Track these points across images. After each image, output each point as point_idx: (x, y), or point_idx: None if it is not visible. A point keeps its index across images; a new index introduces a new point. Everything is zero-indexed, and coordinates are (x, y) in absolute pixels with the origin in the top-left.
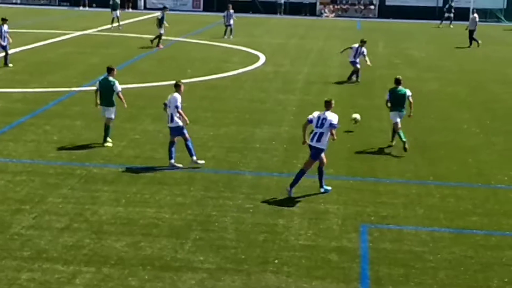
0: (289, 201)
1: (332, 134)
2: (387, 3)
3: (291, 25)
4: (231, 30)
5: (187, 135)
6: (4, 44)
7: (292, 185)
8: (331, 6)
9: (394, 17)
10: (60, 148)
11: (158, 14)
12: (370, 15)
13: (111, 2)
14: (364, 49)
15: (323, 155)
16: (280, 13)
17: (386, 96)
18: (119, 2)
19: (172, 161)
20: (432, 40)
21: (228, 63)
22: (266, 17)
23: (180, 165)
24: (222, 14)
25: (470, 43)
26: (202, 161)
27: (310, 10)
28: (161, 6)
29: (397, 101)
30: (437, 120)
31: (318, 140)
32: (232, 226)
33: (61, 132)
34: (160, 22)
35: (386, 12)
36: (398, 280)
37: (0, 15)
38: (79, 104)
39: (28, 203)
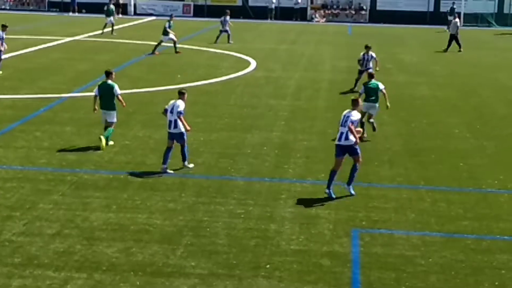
0: (281, 206)
1: (351, 130)
2: (378, 8)
3: (282, 30)
4: (228, 36)
5: (186, 142)
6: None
7: (350, 183)
8: (322, 11)
9: (385, 21)
10: (50, 155)
11: (148, 20)
12: (361, 20)
13: (105, 8)
14: (371, 53)
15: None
16: (271, 18)
17: (360, 90)
18: (114, 9)
19: (165, 166)
20: (423, 44)
21: (219, 68)
22: (256, 22)
23: (172, 172)
24: (214, 19)
25: (458, 46)
26: (192, 165)
27: (301, 15)
28: (151, 11)
29: (369, 94)
30: (428, 125)
31: (346, 139)
32: (223, 232)
33: (51, 138)
34: (165, 30)
35: (377, 17)
36: (390, 284)
37: None
38: (69, 110)
39: (18, 209)
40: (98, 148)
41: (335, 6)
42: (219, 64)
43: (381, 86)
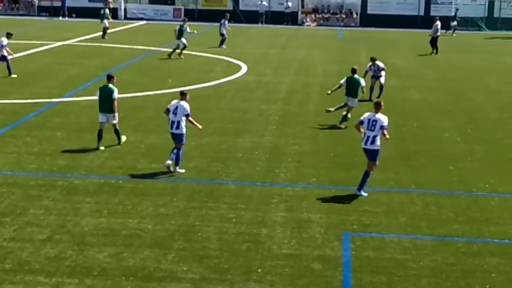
0: (272, 211)
1: (384, 135)
2: (368, 12)
3: (273, 34)
4: (222, 40)
5: (184, 144)
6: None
7: (361, 188)
8: (312, 15)
9: (376, 25)
10: (41, 160)
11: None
12: (352, 24)
13: (102, 12)
14: (379, 63)
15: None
16: (261, 22)
17: (342, 81)
18: (109, 13)
19: (178, 168)
20: (414, 48)
21: (210, 72)
22: (247, 26)
23: (183, 170)
24: (205, 23)
25: (436, 50)
26: (183, 170)
27: (292, 19)
28: (141, 15)
29: (351, 87)
30: (419, 129)
31: (372, 143)
32: (215, 236)
33: (41, 143)
34: (179, 34)
35: (367, 21)
36: (381, 287)
37: None
38: (59, 115)
39: (9, 215)
40: (88, 153)
41: (326, 10)
42: (210, 69)
43: (363, 83)
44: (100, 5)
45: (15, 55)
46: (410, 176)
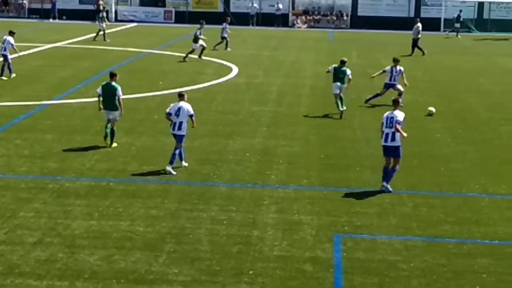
0: (263, 212)
1: (397, 130)
2: (359, 13)
3: (263, 36)
4: (219, 43)
5: (183, 146)
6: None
7: (388, 182)
8: (303, 17)
9: (366, 27)
10: (31, 162)
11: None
12: (343, 26)
13: (101, 15)
14: (400, 68)
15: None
16: (252, 25)
17: (331, 68)
18: (105, 15)
19: (183, 162)
20: (404, 50)
21: (201, 75)
22: (238, 28)
23: (186, 164)
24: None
25: (412, 52)
26: (175, 172)
27: (283, 21)
28: (132, 18)
29: (338, 76)
30: (410, 130)
31: (393, 140)
32: (206, 238)
33: (32, 146)
34: (196, 37)
35: (358, 22)
36: None
37: None
38: (50, 118)
39: None
40: (79, 155)
41: (316, 12)
42: (201, 71)
43: (349, 72)
44: (91, 7)
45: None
46: (401, 177)
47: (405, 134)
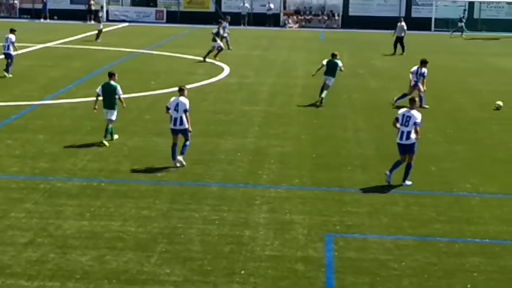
0: (255, 212)
1: (416, 132)
2: (350, 13)
3: (255, 36)
4: (226, 42)
5: (190, 138)
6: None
7: (405, 178)
8: (294, 17)
9: (358, 27)
10: (22, 163)
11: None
12: (334, 26)
13: (100, 15)
14: (424, 70)
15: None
16: (243, 24)
17: (324, 62)
18: (102, 15)
19: (176, 160)
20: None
21: (193, 75)
22: (229, 28)
23: (181, 164)
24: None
25: (395, 51)
26: (185, 163)
27: (274, 21)
28: (123, 18)
29: (330, 68)
30: None
31: (408, 138)
32: (198, 238)
33: (23, 146)
34: (215, 36)
35: (349, 22)
36: None
37: None
38: (41, 118)
39: None
40: (70, 155)
41: (307, 12)
42: (193, 71)
43: (340, 65)
44: (82, 7)
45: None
46: (393, 176)
47: (418, 132)
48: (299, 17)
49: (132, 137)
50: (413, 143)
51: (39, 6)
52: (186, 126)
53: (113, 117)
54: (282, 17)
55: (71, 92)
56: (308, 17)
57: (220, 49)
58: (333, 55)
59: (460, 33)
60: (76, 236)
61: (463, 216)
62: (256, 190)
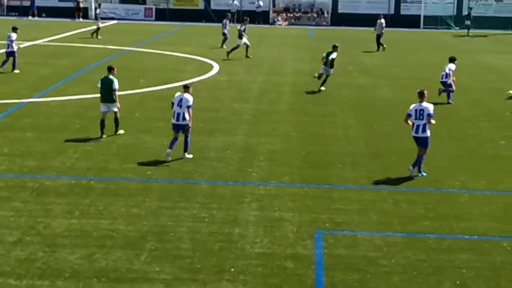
0: (245, 210)
1: (430, 122)
2: (339, 11)
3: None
4: (224, 39)
5: (190, 133)
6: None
7: (420, 170)
8: (284, 15)
9: (347, 24)
10: (11, 161)
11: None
12: (323, 23)
13: (97, 12)
14: (451, 65)
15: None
16: (233, 22)
17: (324, 55)
18: (98, 13)
19: (169, 150)
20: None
21: (182, 72)
22: (219, 26)
23: (191, 156)
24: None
25: (378, 48)
26: (191, 155)
27: (263, 18)
28: (112, 15)
29: (326, 59)
30: (390, 127)
31: (423, 131)
32: (187, 236)
33: (11, 144)
34: (241, 33)
35: (338, 20)
36: (353, 285)
37: None
38: (29, 116)
39: None
40: (59, 154)
41: (297, 10)
42: (182, 68)
43: (333, 56)
44: (70, 4)
45: None
46: (382, 173)
47: (433, 122)
48: (289, 14)
49: (121, 135)
50: (428, 137)
51: (27, 3)
52: (187, 122)
53: (115, 109)
54: (271, 15)
55: (60, 90)
56: (298, 15)
57: (247, 46)
58: (334, 47)
59: (466, 31)
60: (65, 235)
61: (452, 213)
62: (246, 187)
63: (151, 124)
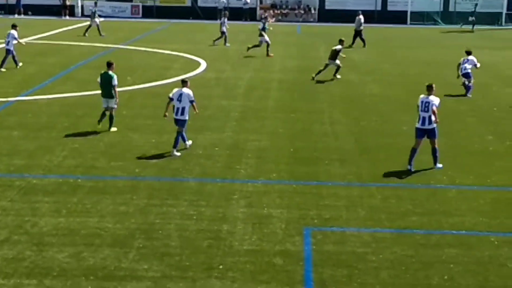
0: (233, 207)
1: (434, 113)
2: (326, 7)
3: (231, 30)
4: (225, 38)
5: (185, 128)
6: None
7: (436, 162)
8: (271, 11)
9: (334, 21)
10: None
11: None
12: (310, 20)
13: (93, 10)
14: (471, 58)
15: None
16: (220, 19)
17: (333, 47)
18: (95, 11)
19: (187, 142)
20: (372, 43)
21: (169, 70)
22: (206, 23)
23: (178, 154)
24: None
25: (353, 43)
26: (190, 141)
27: (251, 15)
28: (99, 13)
29: (332, 53)
30: (378, 123)
31: (430, 123)
32: (176, 233)
33: None
34: (261, 31)
35: (325, 16)
36: (342, 281)
37: None
38: (16, 114)
39: None
40: (46, 152)
41: (284, 6)
42: (169, 66)
43: (338, 48)
44: (56, 2)
45: None
46: (370, 169)
47: (438, 120)
48: (276, 11)
49: (108, 133)
50: (434, 128)
51: (13, 1)
52: (186, 117)
53: (114, 105)
54: (258, 11)
55: (47, 88)
56: (285, 11)
57: (267, 44)
58: (339, 41)
59: (471, 27)
60: (53, 233)
61: (440, 208)
62: (234, 184)
63: (139, 121)
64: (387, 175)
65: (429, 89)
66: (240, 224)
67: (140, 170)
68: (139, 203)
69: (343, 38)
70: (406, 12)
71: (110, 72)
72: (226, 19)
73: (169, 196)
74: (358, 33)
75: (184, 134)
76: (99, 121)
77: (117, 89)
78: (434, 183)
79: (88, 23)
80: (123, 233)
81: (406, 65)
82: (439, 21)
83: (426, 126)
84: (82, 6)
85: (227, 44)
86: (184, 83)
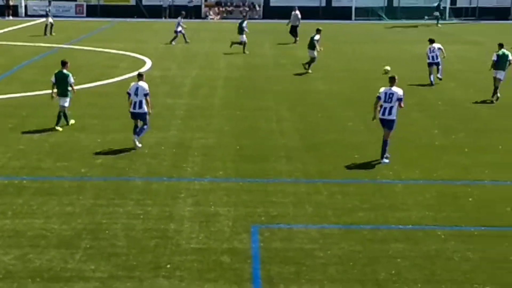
0: (180, 205)
1: (400, 106)
2: (271, 4)
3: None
4: (183, 35)
5: (148, 121)
6: None
7: (383, 156)
8: (216, 9)
9: (279, 18)
10: None
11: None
12: (256, 17)
13: (48, 10)
14: (437, 46)
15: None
16: (165, 17)
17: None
18: (49, 10)
19: (135, 136)
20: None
21: (115, 68)
22: (151, 21)
23: (140, 145)
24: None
25: (296, 38)
26: (140, 145)
27: (195, 13)
28: (43, 12)
29: (310, 43)
30: (324, 119)
31: (390, 113)
32: (122, 233)
33: None
34: (241, 29)
35: (270, 13)
36: (289, 278)
37: None
38: None
39: None
40: None
41: (229, 3)
42: (115, 65)
43: (316, 37)
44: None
45: None
46: (316, 166)
47: (403, 105)
48: (221, 8)
49: (54, 133)
50: (394, 119)
51: None
52: (145, 109)
53: (66, 104)
54: (203, 9)
55: None
56: (230, 9)
57: (244, 44)
58: (316, 30)
59: (436, 22)
60: None
61: (386, 203)
62: (181, 183)
63: (84, 121)
64: (334, 170)
65: (392, 81)
66: (187, 222)
67: (86, 170)
68: (86, 203)
69: (320, 28)
70: (351, 8)
71: (65, 71)
72: (182, 19)
73: (116, 195)
74: (294, 28)
75: (145, 130)
76: (57, 123)
77: (48, 91)
78: (381, 178)
79: (41, 21)
80: (69, 234)
81: (351, 60)
82: (384, 16)
83: (386, 116)
84: (25, 6)
85: (188, 41)
86: (140, 76)
